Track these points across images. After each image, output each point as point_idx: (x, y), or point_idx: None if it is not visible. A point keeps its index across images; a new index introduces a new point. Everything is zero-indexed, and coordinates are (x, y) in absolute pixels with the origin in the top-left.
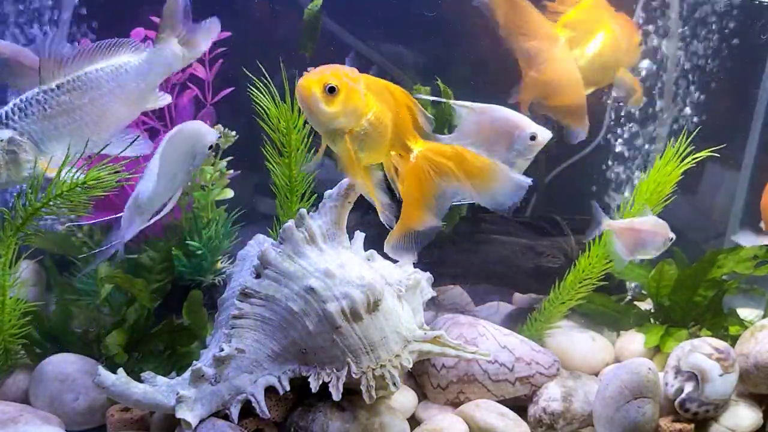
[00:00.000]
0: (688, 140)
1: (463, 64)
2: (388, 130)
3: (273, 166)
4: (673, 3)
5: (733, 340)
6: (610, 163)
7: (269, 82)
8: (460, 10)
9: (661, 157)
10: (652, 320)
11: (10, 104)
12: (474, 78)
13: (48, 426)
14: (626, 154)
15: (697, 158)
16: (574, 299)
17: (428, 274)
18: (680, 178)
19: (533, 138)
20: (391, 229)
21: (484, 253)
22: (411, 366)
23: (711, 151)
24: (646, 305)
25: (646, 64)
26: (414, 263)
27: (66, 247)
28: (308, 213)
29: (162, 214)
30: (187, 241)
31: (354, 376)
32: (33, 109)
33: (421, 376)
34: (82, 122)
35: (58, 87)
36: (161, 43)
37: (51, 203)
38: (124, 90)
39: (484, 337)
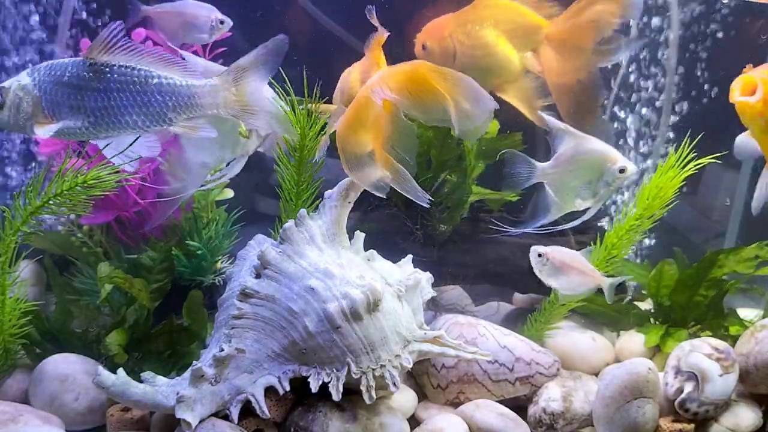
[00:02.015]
0: (692, 145)
1: None
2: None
3: (281, 168)
4: (673, 3)
5: (733, 340)
6: None
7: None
8: None
9: (663, 161)
10: (652, 320)
11: (48, 62)
12: None
13: (48, 426)
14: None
15: (699, 164)
16: (575, 301)
17: (428, 274)
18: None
19: (622, 171)
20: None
21: (484, 253)
22: (411, 366)
23: (714, 158)
24: (646, 305)
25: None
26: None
27: (66, 247)
28: (308, 213)
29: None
30: (187, 241)
31: (354, 376)
32: (55, 71)
33: (421, 376)
34: (86, 105)
35: (89, 63)
36: (219, 80)
37: (51, 202)
38: (143, 99)
39: (484, 337)
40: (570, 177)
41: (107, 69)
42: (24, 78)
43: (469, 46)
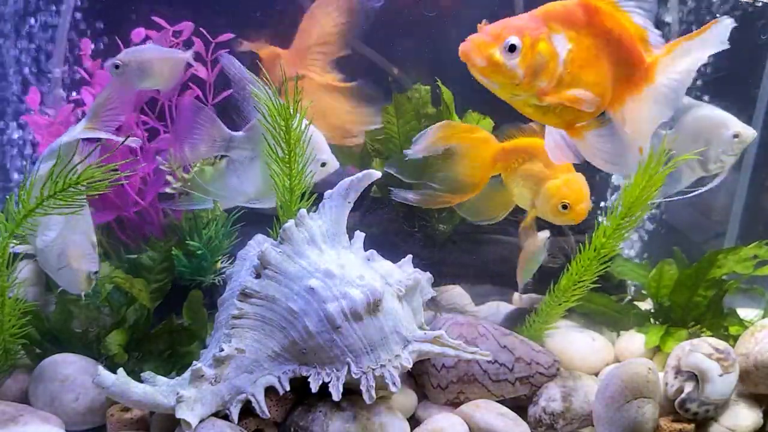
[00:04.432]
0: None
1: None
2: None
3: (273, 166)
4: (673, 3)
5: (733, 340)
6: None
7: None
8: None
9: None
10: (652, 320)
11: None
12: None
13: (48, 426)
14: None
15: (678, 161)
16: (570, 301)
17: (428, 274)
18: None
19: (736, 136)
20: None
21: (484, 253)
22: (411, 366)
23: (695, 154)
24: (646, 305)
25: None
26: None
27: None
28: (308, 213)
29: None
30: (187, 241)
31: (354, 376)
32: None
33: (421, 376)
34: None
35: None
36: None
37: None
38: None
39: (484, 337)
40: (688, 145)
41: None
42: None
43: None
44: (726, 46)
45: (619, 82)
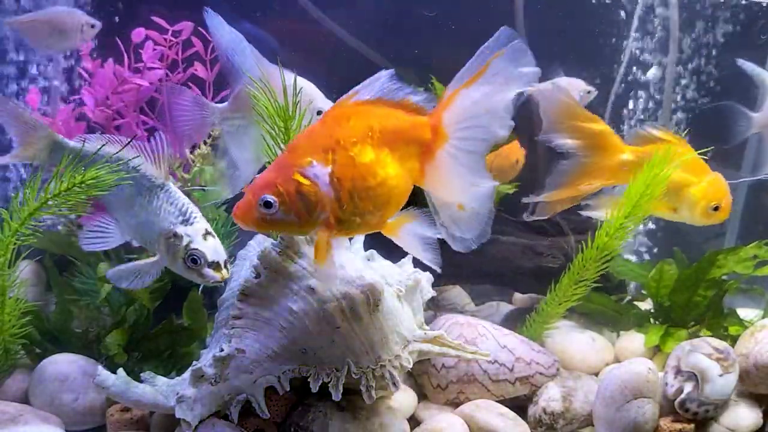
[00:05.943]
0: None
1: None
2: None
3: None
4: (672, 2)
5: (733, 340)
6: None
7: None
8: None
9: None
10: (652, 320)
11: None
12: None
13: (48, 426)
14: None
15: (684, 160)
16: (571, 300)
17: (428, 274)
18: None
19: None
20: None
21: (484, 253)
22: (411, 366)
23: (700, 153)
24: (646, 305)
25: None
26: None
27: (66, 247)
28: None
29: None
30: None
31: (354, 376)
32: None
33: (421, 376)
34: None
35: None
36: None
37: (49, 203)
38: None
39: (484, 337)
40: (765, 128)
41: None
42: None
43: None
44: (529, 70)
45: (411, 158)
